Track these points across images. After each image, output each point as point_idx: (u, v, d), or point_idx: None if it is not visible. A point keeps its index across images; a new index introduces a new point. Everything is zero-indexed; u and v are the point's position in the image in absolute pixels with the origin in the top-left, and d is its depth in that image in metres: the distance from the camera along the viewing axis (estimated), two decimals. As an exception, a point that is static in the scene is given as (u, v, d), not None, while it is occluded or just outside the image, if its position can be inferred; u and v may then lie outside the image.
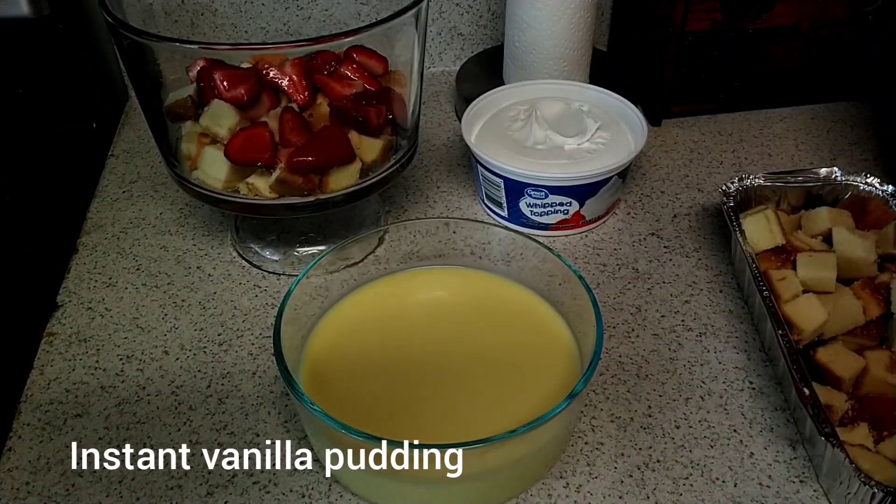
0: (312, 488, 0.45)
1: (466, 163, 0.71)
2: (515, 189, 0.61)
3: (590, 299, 0.46)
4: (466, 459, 0.40)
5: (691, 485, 0.45)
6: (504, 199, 0.62)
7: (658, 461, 0.47)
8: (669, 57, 0.72)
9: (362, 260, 0.54)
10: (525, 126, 0.64)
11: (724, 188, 0.59)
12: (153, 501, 0.44)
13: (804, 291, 0.52)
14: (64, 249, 0.62)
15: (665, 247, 0.62)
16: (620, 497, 0.45)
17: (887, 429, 0.45)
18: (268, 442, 0.47)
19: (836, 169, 0.60)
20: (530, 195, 0.60)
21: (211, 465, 0.46)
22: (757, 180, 0.60)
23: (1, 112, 0.63)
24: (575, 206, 0.61)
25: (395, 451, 0.39)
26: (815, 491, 0.45)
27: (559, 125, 0.64)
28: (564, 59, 0.72)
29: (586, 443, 0.48)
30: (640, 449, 0.47)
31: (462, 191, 0.68)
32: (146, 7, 0.60)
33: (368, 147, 0.54)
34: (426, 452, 0.39)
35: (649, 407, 0.50)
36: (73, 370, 0.52)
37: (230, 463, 0.46)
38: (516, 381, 0.47)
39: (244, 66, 0.55)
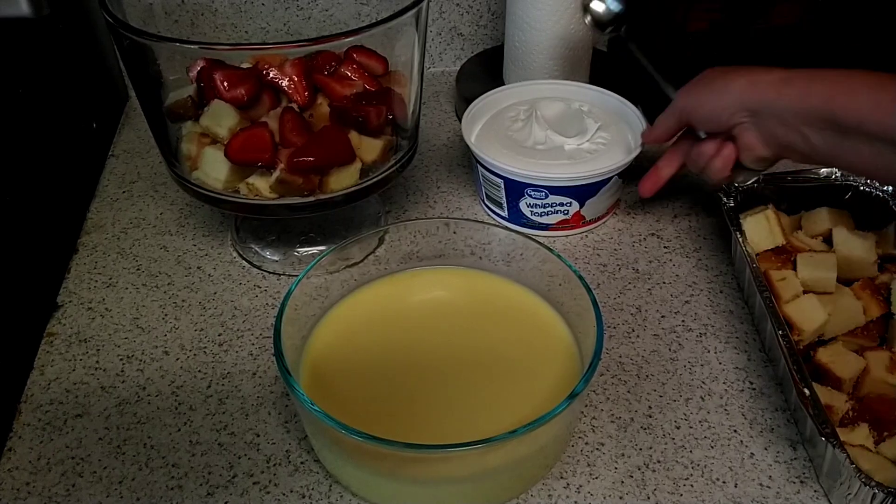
0: (312, 488, 0.45)
1: (466, 163, 0.71)
2: (515, 189, 0.61)
3: (590, 299, 0.46)
4: (466, 460, 0.40)
5: (692, 485, 0.45)
6: (504, 199, 0.62)
7: (658, 462, 0.47)
8: (670, 57, 0.72)
9: (362, 260, 0.54)
10: (525, 126, 0.64)
11: (724, 188, 0.59)
12: (153, 502, 0.44)
13: (804, 292, 0.52)
14: (64, 249, 0.62)
15: (665, 247, 0.62)
16: (621, 497, 0.45)
17: (887, 429, 0.45)
18: (268, 442, 0.47)
19: (836, 169, 0.60)
20: (530, 195, 0.60)
21: (211, 466, 0.46)
22: (757, 181, 0.60)
23: (1, 112, 0.62)
24: (575, 206, 0.61)
25: (395, 452, 0.39)
26: (815, 491, 0.45)
27: (559, 125, 0.64)
28: (565, 59, 0.72)
29: (586, 443, 0.48)
30: (640, 449, 0.47)
31: (462, 191, 0.68)
32: (146, 7, 0.60)
33: (368, 147, 0.54)
34: (426, 453, 0.39)
35: (649, 407, 0.50)
36: (74, 370, 0.52)
37: (230, 463, 0.46)
38: (516, 381, 0.47)
39: (244, 66, 0.55)
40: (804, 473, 0.46)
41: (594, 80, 0.76)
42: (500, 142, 0.63)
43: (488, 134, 0.65)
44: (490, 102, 0.67)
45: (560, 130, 0.63)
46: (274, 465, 0.46)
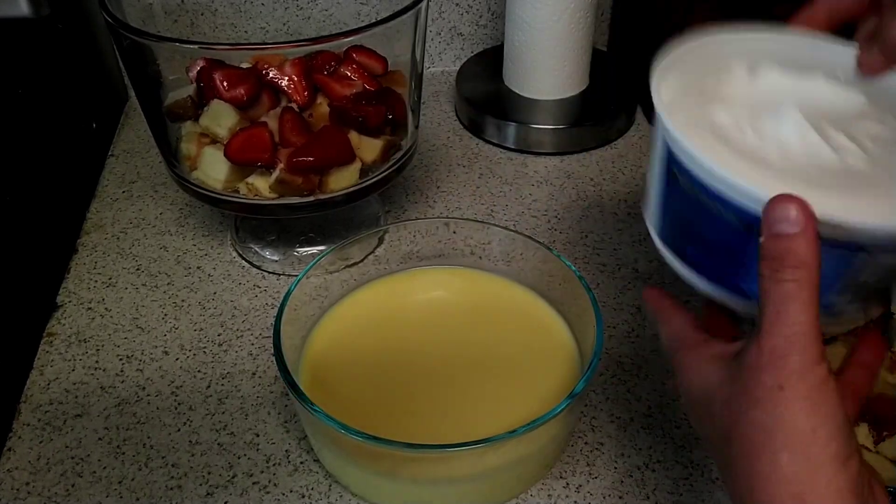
0: (312, 488, 0.45)
1: (466, 163, 0.71)
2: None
3: (590, 299, 0.46)
4: (466, 460, 0.40)
5: (691, 485, 0.45)
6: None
7: (658, 461, 0.46)
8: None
9: (362, 260, 0.54)
10: (780, 126, 0.36)
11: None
12: (153, 502, 0.44)
13: (804, 291, 0.52)
14: (64, 249, 0.62)
15: (665, 247, 0.62)
16: (620, 497, 0.45)
17: (887, 429, 0.45)
18: (268, 442, 0.47)
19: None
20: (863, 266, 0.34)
21: (210, 466, 0.46)
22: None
23: (1, 112, 0.63)
24: None
25: (395, 452, 0.39)
26: (815, 491, 0.45)
27: (838, 117, 0.36)
28: (564, 59, 0.72)
29: (586, 443, 0.48)
30: (640, 449, 0.47)
31: (462, 191, 0.68)
32: (146, 7, 0.60)
33: (368, 147, 0.54)
34: (426, 452, 0.39)
35: (649, 407, 0.50)
36: (73, 370, 0.52)
37: (230, 463, 0.46)
38: (516, 381, 0.47)
39: (244, 66, 0.55)
40: (804, 473, 0.46)
41: (594, 79, 0.76)
42: (770, 170, 0.34)
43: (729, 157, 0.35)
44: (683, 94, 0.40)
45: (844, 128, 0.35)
46: (273, 464, 0.46)
